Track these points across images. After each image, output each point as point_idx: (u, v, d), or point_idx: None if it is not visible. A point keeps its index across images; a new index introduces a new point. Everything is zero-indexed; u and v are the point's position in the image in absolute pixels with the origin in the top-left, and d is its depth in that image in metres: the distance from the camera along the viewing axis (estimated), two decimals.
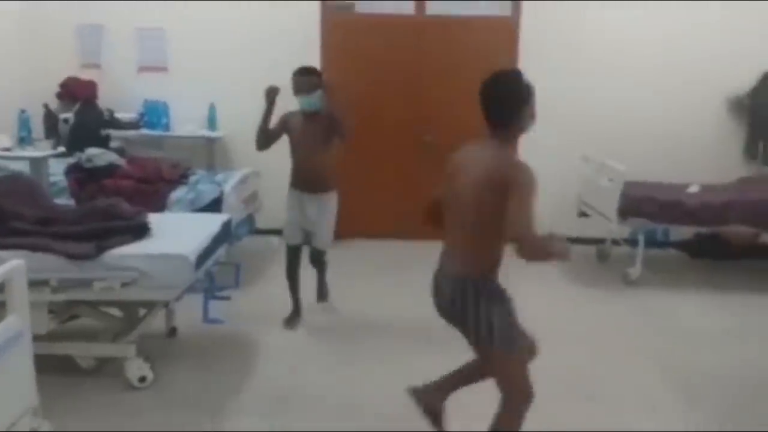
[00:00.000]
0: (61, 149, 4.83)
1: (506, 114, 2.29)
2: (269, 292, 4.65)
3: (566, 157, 5.53)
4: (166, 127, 5.81)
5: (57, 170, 4.73)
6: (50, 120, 5.25)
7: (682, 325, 4.25)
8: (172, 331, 3.81)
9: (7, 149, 4.67)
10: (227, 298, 3.76)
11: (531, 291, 4.89)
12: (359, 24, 5.98)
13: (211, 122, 5.85)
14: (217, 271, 3.66)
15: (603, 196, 5.05)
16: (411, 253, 5.65)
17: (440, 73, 5.90)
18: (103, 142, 5.18)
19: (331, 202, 3.95)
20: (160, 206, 4.37)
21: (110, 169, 4.58)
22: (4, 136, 4.77)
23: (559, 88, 5.58)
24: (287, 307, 4.29)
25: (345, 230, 5.61)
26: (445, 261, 2.42)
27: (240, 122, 5.89)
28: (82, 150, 4.67)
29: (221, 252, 3.65)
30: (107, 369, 3.33)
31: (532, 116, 2.38)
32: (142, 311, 3.50)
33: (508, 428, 2.37)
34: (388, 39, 5.87)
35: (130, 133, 5.69)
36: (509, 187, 2.15)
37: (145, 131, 5.75)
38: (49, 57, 5.76)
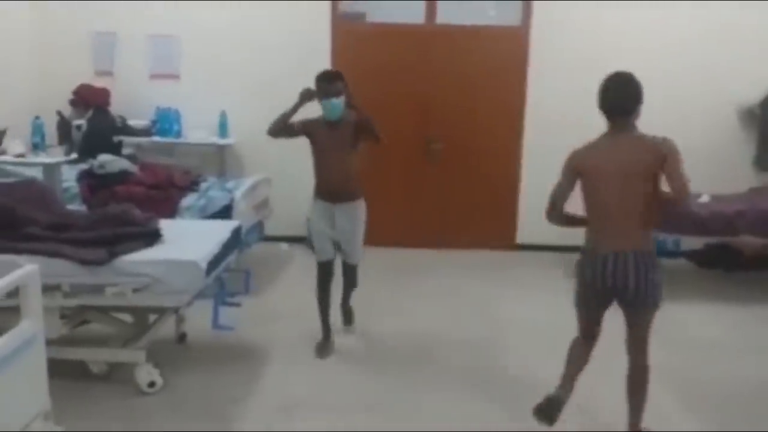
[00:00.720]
0: (74, 156, 4.88)
1: (636, 107, 2.76)
2: (279, 298, 4.68)
3: None
4: (178, 134, 5.86)
5: (70, 176, 4.78)
6: (63, 126, 5.29)
7: (689, 335, 4.22)
8: (182, 337, 3.83)
9: (21, 155, 4.71)
10: (237, 305, 3.78)
11: (538, 299, 4.91)
12: (369, 33, 6.02)
13: (222, 129, 5.90)
14: (227, 277, 3.68)
15: None
16: (419, 261, 5.69)
17: (450, 82, 5.93)
18: (116, 149, 5.23)
19: (361, 209, 3.80)
20: (172, 213, 4.41)
21: (122, 176, 4.62)
22: (17, 142, 4.82)
23: (570, 97, 5.60)
24: (296, 314, 4.30)
25: None
26: (614, 239, 2.69)
27: (251, 129, 5.93)
28: (94, 156, 4.72)
29: (231, 258, 3.67)
30: (117, 374, 3.35)
31: None
32: (152, 317, 3.53)
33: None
34: (398, 48, 5.90)
35: (142, 140, 5.74)
36: (667, 158, 2.61)
37: (156, 138, 5.79)
38: (62, 64, 5.83)
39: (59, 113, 5.35)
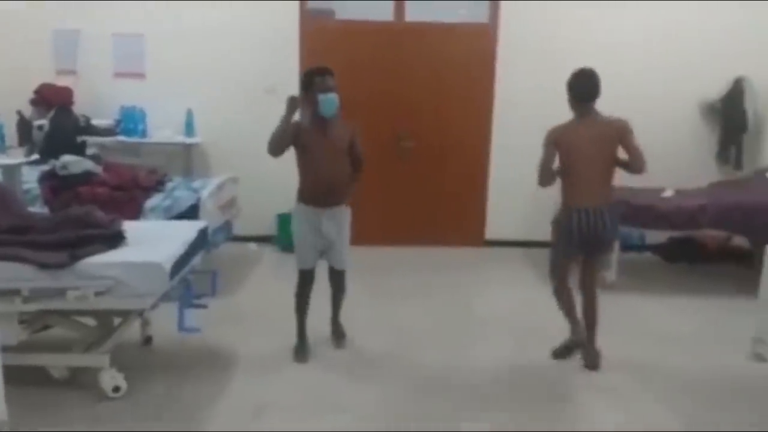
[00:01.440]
0: (35, 157, 4.77)
1: (599, 94, 3.48)
2: (247, 299, 4.64)
3: None
4: (143, 134, 5.77)
5: (31, 178, 4.67)
6: (24, 127, 5.17)
7: (656, 328, 4.30)
8: (148, 341, 3.77)
9: None
10: (204, 306, 3.73)
11: (506, 292, 4.97)
12: (339, 30, 5.99)
13: (189, 128, 5.82)
14: (193, 279, 3.63)
15: None
16: (390, 259, 5.69)
17: (419, 79, 5.94)
18: (79, 149, 5.12)
19: (348, 214, 3.70)
20: (136, 214, 4.34)
21: (86, 177, 4.53)
22: None
23: (536, 93, 5.66)
24: (264, 315, 4.28)
25: None
26: (592, 198, 3.47)
27: (217, 128, 5.90)
28: (57, 157, 4.61)
29: (198, 260, 3.63)
30: (81, 379, 3.28)
31: None
32: (116, 320, 3.46)
33: None
34: (367, 45, 5.90)
35: (107, 139, 5.64)
36: (625, 134, 3.44)
37: (121, 138, 5.70)
38: (23, 62, 5.68)
39: (20, 113, 5.23)
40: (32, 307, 3.02)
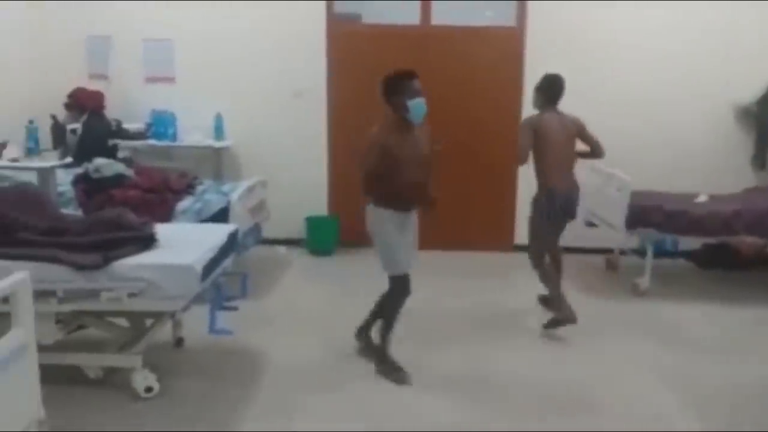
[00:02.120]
0: (69, 159, 4.85)
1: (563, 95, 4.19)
2: (277, 302, 4.65)
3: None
4: (174, 137, 5.83)
5: (65, 180, 4.75)
6: (58, 130, 5.26)
7: (690, 336, 4.21)
8: (179, 342, 3.80)
9: (15, 160, 4.69)
10: (235, 309, 3.75)
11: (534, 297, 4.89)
12: (365, 34, 6.00)
13: (218, 132, 5.87)
14: (224, 281, 3.65)
15: (610, 206, 5.03)
16: (421, 263, 5.64)
17: (446, 83, 5.90)
18: (111, 153, 5.20)
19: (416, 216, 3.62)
20: (167, 216, 4.38)
21: (118, 180, 4.59)
22: (12, 147, 4.80)
23: (565, 96, 5.57)
24: (295, 317, 4.28)
25: (348, 239, 5.63)
26: (565, 181, 4.11)
27: (246, 132, 5.94)
28: (89, 160, 4.69)
29: (228, 262, 3.65)
30: (114, 379, 3.32)
31: None
32: (149, 322, 3.49)
33: None
34: (393, 49, 5.87)
35: (138, 143, 5.71)
36: (584, 127, 4.21)
37: (152, 141, 5.76)
38: (57, 67, 5.79)
39: (54, 117, 5.32)
40: (67, 307, 3.06)
